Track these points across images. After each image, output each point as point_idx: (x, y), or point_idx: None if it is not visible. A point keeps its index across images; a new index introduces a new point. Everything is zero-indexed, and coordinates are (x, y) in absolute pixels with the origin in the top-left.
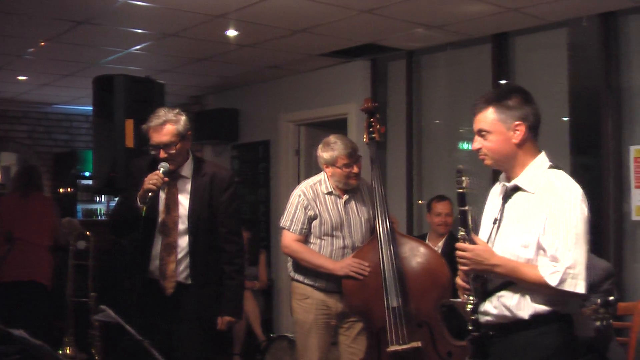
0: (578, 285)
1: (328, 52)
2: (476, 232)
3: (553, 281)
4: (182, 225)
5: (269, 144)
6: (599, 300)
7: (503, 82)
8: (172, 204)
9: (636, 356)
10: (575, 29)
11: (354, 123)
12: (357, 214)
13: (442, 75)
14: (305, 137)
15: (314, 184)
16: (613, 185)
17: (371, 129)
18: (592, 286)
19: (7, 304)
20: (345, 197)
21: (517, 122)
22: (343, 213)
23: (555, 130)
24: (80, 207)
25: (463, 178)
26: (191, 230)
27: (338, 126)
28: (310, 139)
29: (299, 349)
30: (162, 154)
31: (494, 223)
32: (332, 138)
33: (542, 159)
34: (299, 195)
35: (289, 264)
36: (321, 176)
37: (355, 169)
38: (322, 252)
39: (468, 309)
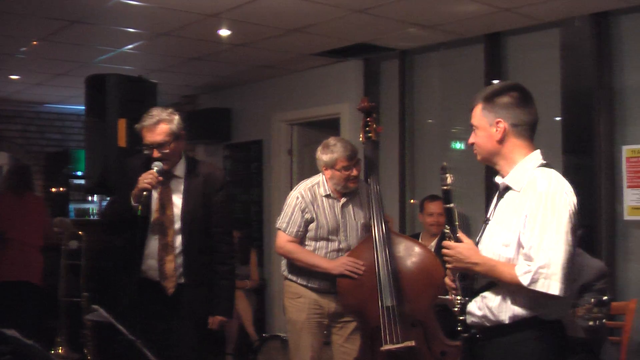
0: (551, 286)
1: (321, 52)
2: (468, 230)
3: (525, 280)
4: (176, 224)
5: (261, 143)
6: (592, 300)
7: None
8: (166, 203)
9: (629, 356)
10: (567, 29)
11: (346, 123)
12: (354, 217)
13: (434, 75)
14: (298, 136)
15: (313, 186)
16: (605, 185)
17: (367, 129)
18: (585, 285)
19: None
20: (343, 200)
21: (497, 119)
22: (340, 217)
23: (548, 130)
24: (72, 206)
25: (447, 175)
26: (184, 230)
27: (331, 126)
28: (303, 138)
29: (292, 348)
30: (156, 154)
31: (485, 222)
32: (331, 140)
33: (533, 157)
34: (297, 198)
35: (283, 263)
36: (319, 178)
37: (354, 172)
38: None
39: (456, 310)
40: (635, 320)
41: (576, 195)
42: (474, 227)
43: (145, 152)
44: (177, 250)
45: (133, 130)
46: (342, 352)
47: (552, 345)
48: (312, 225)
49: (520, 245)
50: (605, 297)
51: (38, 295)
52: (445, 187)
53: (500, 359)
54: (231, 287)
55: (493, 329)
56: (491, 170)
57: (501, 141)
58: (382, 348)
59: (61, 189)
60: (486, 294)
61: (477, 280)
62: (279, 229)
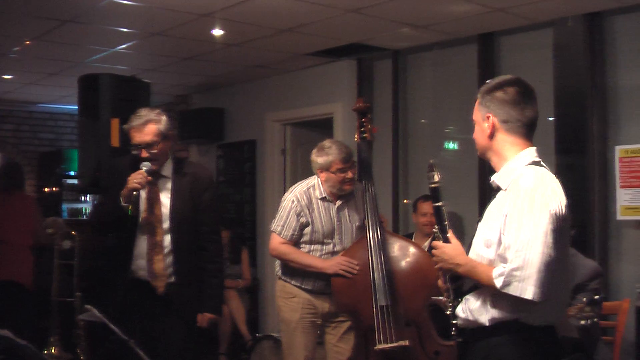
0: (526, 290)
1: (314, 52)
2: (462, 231)
3: (498, 283)
4: (164, 224)
5: (254, 143)
6: (584, 299)
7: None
8: (154, 203)
9: (622, 355)
10: (560, 29)
11: (340, 122)
12: (349, 220)
13: (428, 75)
14: (291, 136)
15: (308, 189)
16: (598, 185)
17: (362, 129)
18: (579, 286)
19: None
20: (338, 203)
21: (487, 114)
22: (335, 220)
23: (541, 130)
24: (65, 206)
25: (434, 173)
26: (173, 229)
27: (324, 126)
28: (296, 138)
29: (285, 347)
30: (144, 154)
31: (478, 222)
32: (327, 142)
33: (524, 155)
34: (292, 201)
35: (277, 264)
36: (315, 180)
37: (349, 174)
38: None
39: (448, 312)
40: (628, 320)
41: (569, 196)
42: (467, 227)
43: (134, 152)
44: (167, 250)
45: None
46: (335, 352)
47: (532, 352)
48: (307, 230)
49: (499, 246)
50: (597, 297)
51: (25, 295)
52: (433, 185)
53: None
54: (220, 285)
55: (476, 332)
56: (485, 171)
57: (491, 137)
58: (376, 347)
59: (54, 188)
60: (469, 296)
61: (466, 282)
62: (274, 232)
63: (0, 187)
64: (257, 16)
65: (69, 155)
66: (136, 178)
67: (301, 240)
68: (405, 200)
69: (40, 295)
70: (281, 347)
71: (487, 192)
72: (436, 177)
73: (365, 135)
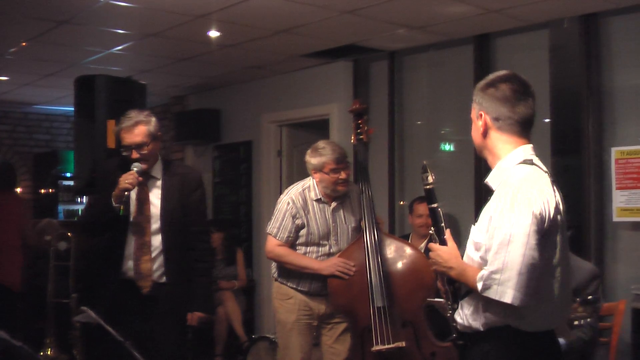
0: (505, 294)
1: (310, 53)
2: (458, 234)
3: (479, 286)
4: (155, 224)
5: (251, 144)
6: (578, 299)
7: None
8: (144, 203)
9: (618, 356)
10: (556, 30)
11: (336, 124)
12: (345, 222)
13: (424, 76)
14: (288, 137)
15: (303, 190)
16: (594, 187)
17: (359, 130)
18: (577, 289)
19: None
20: (334, 204)
21: (480, 112)
22: (330, 221)
23: (537, 131)
24: (61, 207)
25: (427, 174)
26: (164, 229)
27: (320, 127)
28: (293, 139)
29: (281, 349)
30: (135, 155)
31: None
32: (320, 143)
33: (516, 154)
34: (288, 203)
35: (273, 265)
36: (310, 182)
37: (343, 175)
38: None
39: (449, 315)
40: (624, 321)
41: (565, 197)
42: (463, 230)
43: (124, 153)
44: (157, 250)
45: None
46: (331, 353)
47: (524, 357)
48: (303, 231)
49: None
50: (590, 297)
51: (12, 298)
52: (427, 187)
53: None
54: (209, 284)
55: (472, 336)
56: (481, 172)
57: (485, 135)
58: (373, 349)
59: (50, 190)
60: (463, 301)
61: (462, 285)
62: (269, 234)
63: None
64: (253, 17)
65: (64, 156)
66: (128, 178)
67: (297, 242)
68: (401, 202)
69: (33, 296)
70: (277, 348)
71: (483, 194)
72: (430, 179)
73: (361, 136)
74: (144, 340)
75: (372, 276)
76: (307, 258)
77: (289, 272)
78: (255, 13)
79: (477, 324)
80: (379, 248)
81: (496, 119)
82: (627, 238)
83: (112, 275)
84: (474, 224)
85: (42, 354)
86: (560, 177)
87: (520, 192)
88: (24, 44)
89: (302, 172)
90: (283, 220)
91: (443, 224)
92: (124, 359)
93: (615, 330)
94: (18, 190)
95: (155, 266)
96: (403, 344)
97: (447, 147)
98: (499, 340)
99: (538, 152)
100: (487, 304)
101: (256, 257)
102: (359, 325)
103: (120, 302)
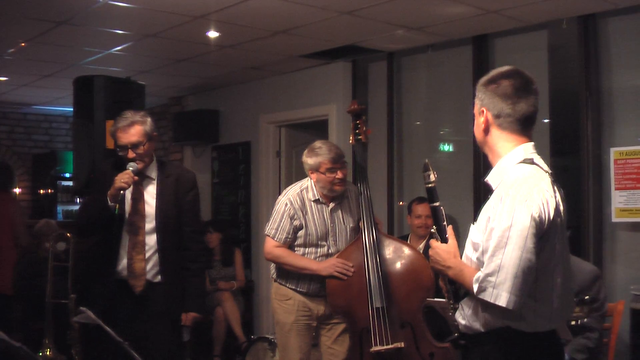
0: (500, 297)
1: (309, 54)
2: (457, 234)
3: (474, 288)
4: (150, 224)
5: (249, 145)
6: (574, 299)
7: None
8: (139, 203)
9: (616, 357)
10: (555, 31)
11: (334, 124)
12: (343, 222)
13: (422, 77)
14: (286, 138)
15: (301, 191)
16: (593, 187)
17: (357, 131)
18: (579, 291)
19: None
20: (332, 205)
21: (482, 108)
22: (329, 222)
23: (536, 131)
24: (60, 208)
25: (429, 172)
26: (159, 229)
27: (319, 127)
28: (291, 140)
29: (280, 350)
30: (131, 154)
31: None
32: (317, 143)
33: (515, 153)
34: (286, 204)
35: (272, 266)
36: (308, 182)
37: (339, 175)
38: None
39: (450, 313)
40: (622, 322)
41: (563, 197)
42: (462, 230)
43: (120, 153)
44: (152, 250)
45: None
46: (330, 354)
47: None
48: (301, 233)
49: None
50: (587, 297)
51: (1, 300)
52: (429, 185)
53: None
54: (202, 284)
55: (474, 337)
56: (479, 173)
57: (486, 131)
58: (372, 349)
59: (49, 190)
60: (464, 300)
61: (461, 284)
62: (268, 235)
63: None
64: (252, 18)
65: (63, 157)
66: (123, 178)
67: (295, 243)
68: (400, 203)
69: (31, 297)
70: (276, 349)
71: (482, 194)
72: (432, 177)
73: (360, 137)
74: (139, 340)
75: (371, 277)
76: (306, 259)
77: (288, 273)
78: (254, 14)
79: (477, 324)
80: (378, 248)
81: (497, 116)
82: (626, 238)
83: (107, 275)
84: (473, 224)
85: (40, 354)
86: (559, 178)
87: (520, 193)
88: (23, 44)
89: (300, 173)
90: (281, 221)
91: (445, 222)
92: (122, 359)
93: (614, 330)
94: (17, 190)
95: (149, 266)
96: (402, 344)
97: (446, 147)
98: (499, 341)
99: (538, 152)
100: (485, 305)
101: (255, 258)
102: (358, 326)
103: (115, 302)
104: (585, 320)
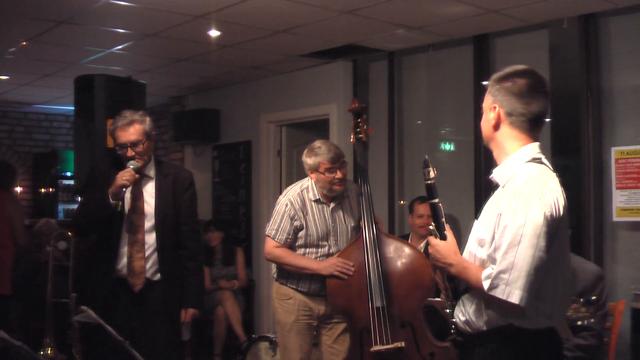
0: (512, 294)
1: (309, 53)
2: (458, 233)
3: (485, 285)
4: (149, 222)
5: (250, 144)
6: (580, 300)
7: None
8: (138, 201)
9: (617, 356)
10: (555, 30)
11: (335, 124)
12: (344, 222)
13: (423, 76)
14: (287, 137)
15: (302, 191)
16: (594, 186)
17: (358, 130)
18: (583, 291)
19: None
20: (332, 204)
21: (494, 104)
22: (330, 222)
23: None
24: (61, 207)
25: (430, 169)
26: (158, 227)
27: (320, 127)
28: (292, 139)
29: (281, 349)
30: (130, 153)
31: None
32: (316, 143)
33: (524, 152)
34: (286, 205)
35: (273, 266)
36: (308, 182)
37: (339, 175)
38: None
39: (448, 311)
40: (623, 321)
41: (565, 197)
42: (463, 229)
43: (119, 152)
44: (152, 248)
45: None
46: (330, 353)
47: (526, 357)
48: (302, 233)
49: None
50: (594, 297)
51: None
52: (428, 182)
53: None
54: (201, 281)
55: (474, 336)
56: (480, 172)
57: (496, 128)
58: (372, 349)
59: (50, 189)
60: (465, 297)
61: (461, 281)
62: (268, 236)
63: None
64: (253, 17)
65: (64, 156)
66: (125, 175)
67: (296, 243)
68: (401, 202)
69: (31, 296)
70: (277, 348)
71: (483, 194)
72: (432, 174)
73: (360, 135)
74: (138, 338)
75: (371, 276)
76: (306, 259)
77: (288, 273)
78: (255, 13)
79: (480, 321)
80: (378, 246)
81: (509, 114)
82: (626, 238)
83: (106, 273)
84: (476, 220)
85: (41, 353)
86: (560, 177)
87: (534, 191)
88: (23, 43)
89: (301, 172)
90: (281, 222)
91: (444, 219)
92: (123, 358)
93: (614, 330)
94: (18, 189)
95: (149, 264)
96: (402, 344)
97: (447, 146)
98: (502, 339)
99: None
100: (489, 302)
101: (255, 257)
102: (358, 326)
103: (113, 300)
104: (592, 320)
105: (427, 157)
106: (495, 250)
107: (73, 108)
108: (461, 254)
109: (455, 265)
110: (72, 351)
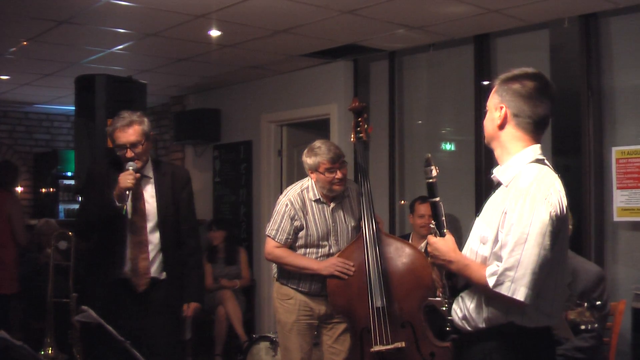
0: (517, 291)
1: (310, 53)
2: (458, 232)
3: (491, 282)
4: (151, 223)
5: (250, 144)
6: (585, 304)
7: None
8: (140, 202)
9: (617, 356)
10: (556, 30)
11: (336, 124)
12: (344, 221)
13: (424, 76)
14: (287, 137)
15: (302, 191)
16: (594, 186)
17: (358, 129)
18: (584, 292)
19: None
20: (333, 204)
21: (501, 105)
22: (330, 221)
23: None
24: (62, 207)
25: (432, 167)
26: (160, 227)
27: (320, 127)
28: (293, 139)
29: (281, 348)
30: (129, 154)
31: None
32: (316, 143)
33: (528, 152)
34: (286, 205)
35: (274, 266)
36: (308, 182)
37: (339, 174)
38: None
39: (444, 309)
40: (624, 321)
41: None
42: (463, 229)
43: (118, 152)
44: (156, 248)
45: None
46: (331, 353)
47: (528, 357)
48: (302, 233)
49: (496, 244)
50: (598, 302)
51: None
52: (430, 180)
53: None
54: (201, 276)
55: (472, 334)
56: (481, 172)
57: (501, 127)
58: (372, 349)
59: (51, 189)
60: (464, 294)
61: (460, 279)
62: (268, 236)
63: None
64: (253, 17)
65: (64, 156)
66: (128, 177)
67: (297, 244)
68: (402, 202)
69: (32, 296)
70: (277, 348)
71: (483, 193)
72: (434, 172)
73: (361, 135)
74: (141, 337)
75: (372, 276)
76: (306, 259)
77: (289, 273)
78: (255, 13)
79: (479, 318)
80: (378, 246)
81: (516, 115)
82: (627, 238)
83: (109, 275)
84: (477, 217)
85: (42, 353)
86: (561, 177)
87: (540, 191)
88: (24, 43)
89: (302, 172)
90: (282, 222)
91: (444, 218)
92: (123, 358)
93: (615, 330)
94: (19, 189)
95: (154, 264)
96: (402, 344)
97: (447, 146)
98: (502, 338)
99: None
100: (488, 299)
101: (256, 257)
102: (358, 326)
103: (116, 300)
104: (596, 325)
105: (429, 155)
106: (501, 247)
107: (74, 108)
108: (460, 252)
109: (456, 262)
110: (72, 351)
